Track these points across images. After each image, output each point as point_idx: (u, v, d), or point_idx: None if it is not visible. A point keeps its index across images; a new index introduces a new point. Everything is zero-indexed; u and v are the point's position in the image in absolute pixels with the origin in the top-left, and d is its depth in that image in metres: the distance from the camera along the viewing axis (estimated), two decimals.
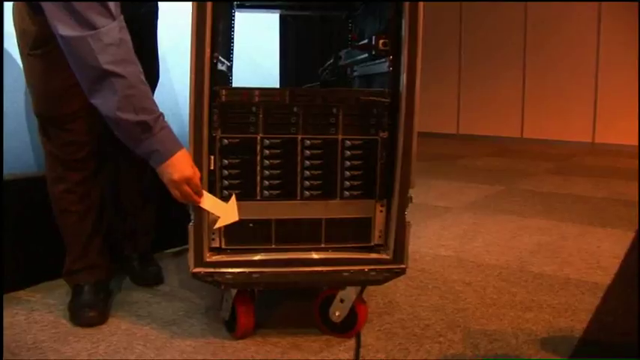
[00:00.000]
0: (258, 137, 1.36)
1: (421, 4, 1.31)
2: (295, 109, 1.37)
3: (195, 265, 1.34)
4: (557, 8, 5.84)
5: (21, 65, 1.56)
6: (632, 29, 5.37)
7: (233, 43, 1.85)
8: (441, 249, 2.27)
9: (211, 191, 1.35)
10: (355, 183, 1.41)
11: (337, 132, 1.39)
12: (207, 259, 1.35)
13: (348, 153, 1.40)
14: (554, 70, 5.98)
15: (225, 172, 1.36)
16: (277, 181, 1.39)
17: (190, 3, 1.27)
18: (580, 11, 5.73)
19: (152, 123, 1.29)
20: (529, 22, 6.11)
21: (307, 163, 1.39)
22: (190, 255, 1.34)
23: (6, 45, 1.69)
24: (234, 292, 1.40)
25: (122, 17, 1.31)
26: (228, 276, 1.34)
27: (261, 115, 1.36)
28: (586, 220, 2.74)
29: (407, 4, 1.31)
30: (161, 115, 1.33)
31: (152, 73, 1.67)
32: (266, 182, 1.38)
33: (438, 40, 6.39)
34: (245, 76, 2.33)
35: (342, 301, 1.42)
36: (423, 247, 2.29)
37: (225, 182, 1.37)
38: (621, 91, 5.58)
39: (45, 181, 1.61)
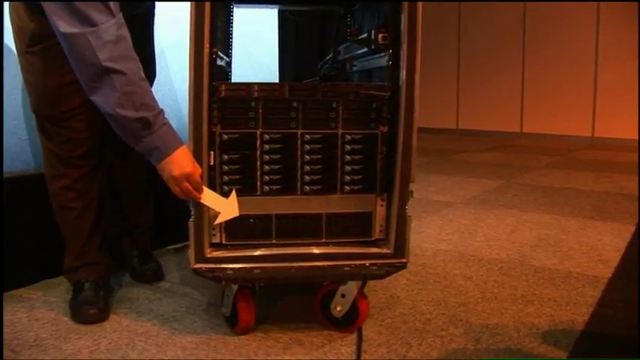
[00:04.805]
0: (258, 132, 1.36)
1: (420, 2, 1.31)
2: (295, 104, 1.36)
3: (196, 261, 1.34)
4: (556, 3, 5.83)
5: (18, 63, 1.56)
6: (630, 24, 5.36)
7: (232, 38, 1.84)
8: (441, 244, 2.27)
9: (211, 187, 1.34)
10: (355, 177, 1.41)
11: (337, 126, 1.39)
12: (208, 255, 1.35)
13: (348, 147, 1.40)
14: (553, 64, 5.97)
15: (225, 167, 1.36)
16: (277, 176, 1.39)
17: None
18: (579, 6, 5.72)
19: (152, 119, 1.29)
20: (528, 17, 6.10)
21: (307, 157, 1.39)
22: (191, 251, 1.34)
23: (5, 42, 1.68)
24: (235, 287, 1.40)
25: (121, 14, 1.31)
26: (229, 272, 1.34)
27: (260, 110, 1.35)
28: (586, 214, 2.74)
29: (406, 3, 1.31)
30: (161, 111, 1.33)
31: (148, 72, 1.67)
32: (266, 177, 1.38)
33: (438, 35, 6.38)
34: (244, 72, 2.32)
35: (343, 295, 1.42)
36: (424, 241, 2.29)
37: (226, 178, 1.37)
38: (620, 86, 5.57)
39: (44, 179, 1.61)
